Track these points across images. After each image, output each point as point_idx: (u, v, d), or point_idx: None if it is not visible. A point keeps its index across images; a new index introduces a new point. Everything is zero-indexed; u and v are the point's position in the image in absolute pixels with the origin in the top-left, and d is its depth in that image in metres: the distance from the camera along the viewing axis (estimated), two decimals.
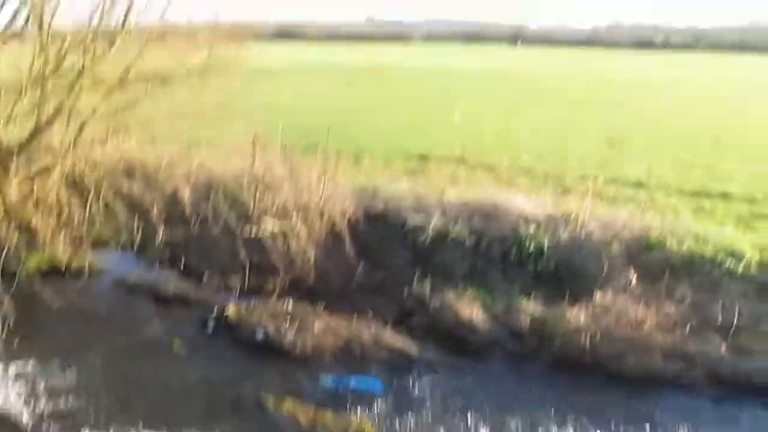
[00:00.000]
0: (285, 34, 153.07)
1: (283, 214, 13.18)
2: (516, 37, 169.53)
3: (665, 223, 13.47)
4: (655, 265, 12.34)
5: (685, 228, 13.19)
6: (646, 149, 21.15)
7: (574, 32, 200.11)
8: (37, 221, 13.17)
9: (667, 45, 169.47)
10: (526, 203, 14.07)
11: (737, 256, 12.13)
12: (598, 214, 13.70)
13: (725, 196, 16.00)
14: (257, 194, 12.72)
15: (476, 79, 52.24)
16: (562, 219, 13.52)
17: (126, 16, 12.45)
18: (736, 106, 33.39)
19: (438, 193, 14.88)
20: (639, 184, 16.76)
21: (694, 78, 55.84)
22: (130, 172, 14.37)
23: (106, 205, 13.64)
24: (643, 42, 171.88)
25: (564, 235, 13.08)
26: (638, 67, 74.86)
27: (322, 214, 13.30)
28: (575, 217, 13.49)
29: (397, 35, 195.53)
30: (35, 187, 13.38)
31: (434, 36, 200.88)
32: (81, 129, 13.21)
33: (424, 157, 19.16)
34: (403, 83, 46.56)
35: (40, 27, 12.17)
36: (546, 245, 12.90)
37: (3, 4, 12.15)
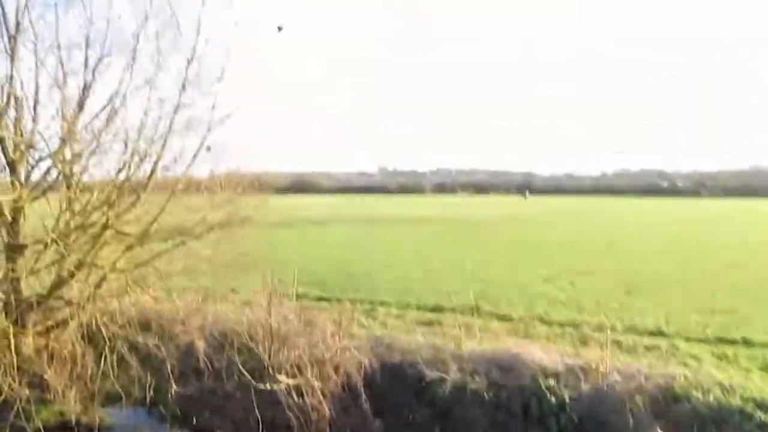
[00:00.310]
0: (300, 185, 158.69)
1: (298, 368, 12.95)
2: (525, 187, 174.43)
3: (688, 372, 13.07)
4: (682, 418, 11.83)
5: (710, 377, 12.76)
6: (664, 296, 20.95)
7: (582, 179, 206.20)
8: (49, 375, 13.01)
9: (674, 190, 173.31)
10: (544, 354, 13.76)
11: (766, 407, 11.64)
12: (618, 365, 13.34)
13: (747, 342, 15.60)
14: (272, 347, 12.57)
15: (487, 227, 53.06)
16: (583, 370, 13.15)
17: (152, 172, 13.01)
18: (751, 250, 33.46)
19: (454, 344, 14.63)
20: (659, 332, 16.42)
21: (705, 221, 56.62)
22: (145, 325, 14.36)
23: (121, 359, 13.52)
24: (650, 188, 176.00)
25: (585, 387, 12.67)
26: (647, 212, 76.12)
27: (337, 368, 13.05)
28: (596, 367, 13.13)
29: (409, 185, 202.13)
30: (50, 340, 13.35)
31: (446, 185, 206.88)
32: (100, 282, 13.39)
33: (438, 308, 19.04)
34: (415, 232, 47.32)
35: (69, 185, 12.69)
36: (567, 398, 12.47)
37: (37, 162, 12.76)
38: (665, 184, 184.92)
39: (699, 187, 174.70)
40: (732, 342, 15.66)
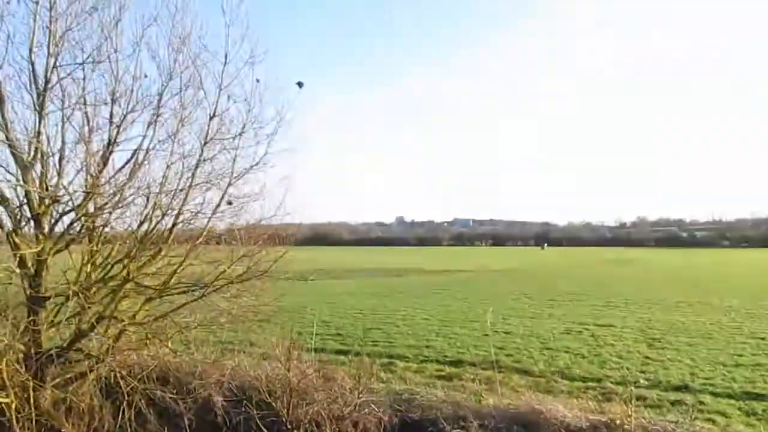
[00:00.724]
0: (320, 237, 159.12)
1: (316, 423, 12.71)
2: (543, 237, 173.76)
3: (716, 429, 12.69)
4: None
5: None
6: (688, 349, 20.50)
7: (600, 229, 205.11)
8: (67, 429, 12.87)
9: (693, 240, 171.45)
10: (567, 410, 13.40)
11: None
12: (644, 421, 12.96)
13: None
14: (290, 402, 12.37)
15: (505, 279, 52.70)
16: (607, 426, 12.79)
17: (173, 225, 13.06)
18: None
19: (475, 400, 14.33)
20: (684, 387, 15.99)
21: (724, 271, 56.08)
22: (164, 379, 14.22)
23: (138, 413, 13.36)
24: (669, 238, 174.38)
25: None
26: (665, 262, 75.36)
27: (356, 424, 12.79)
28: (620, 424, 12.77)
29: (427, 236, 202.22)
30: (69, 393, 13.24)
31: (464, 236, 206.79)
32: (119, 335, 13.32)
33: (457, 361, 18.74)
34: (433, 283, 47.08)
35: (91, 239, 12.75)
36: None
37: (60, 216, 12.87)
38: (684, 235, 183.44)
39: (719, 237, 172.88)
40: (760, 396, 15.21)
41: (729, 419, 13.68)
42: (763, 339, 22.22)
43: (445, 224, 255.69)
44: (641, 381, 16.26)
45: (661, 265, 75.80)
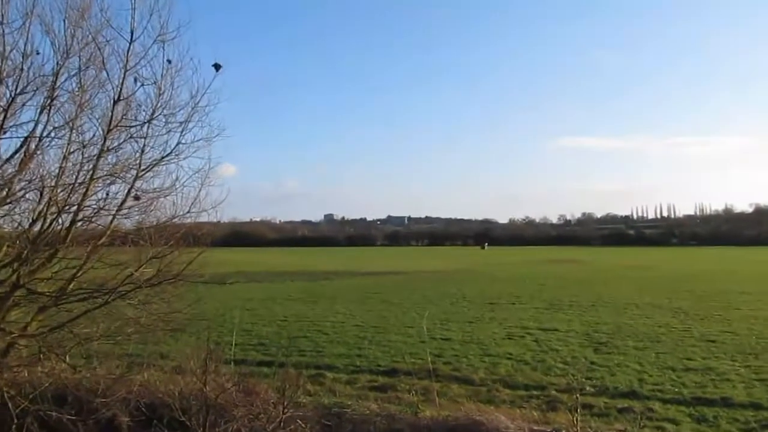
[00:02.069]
0: (240, 236, 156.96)
1: None
2: (484, 236, 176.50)
3: None
4: None
5: None
6: (635, 353, 21.19)
7: (543, 227, 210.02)
8: None
9: (641, 237, 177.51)
10: (510, 421, 13.64)
11: None
12: (590, 431, 13.31)
13: (727, 402, 15.78)
14: (207, 420, 12.14)
15: (442, 281, 53.34)
16: None
17: (71, 224, 12.60)
18: (726, 301, 34.30)
19: (411, 412, 14.42)
20: (632, 393, 16.51)
21: (674, 270, 58.35)
22: (61, 398, 13.73)
23: None
24: (616, 235, 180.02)
25: None
26: (612, 262, 77.79)
27: None
28: None
29: (358, 235, 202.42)
30: None
31: (399, 235, 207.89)
32: (8, 349, 12.80)
33: (392, 371, 18.82)
34: (365, 287, 47.17)
35: None
36: None
37: None
38: (632, 232, 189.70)
39: (668, 235, 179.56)
40: (711, 402, 15.83)
41: (679, 427, 14.19)
42: (713, 342, 23.19)
43: (378, 222, 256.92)
44: (587, 388, 16.69)
45: (608, 264, 78.25)
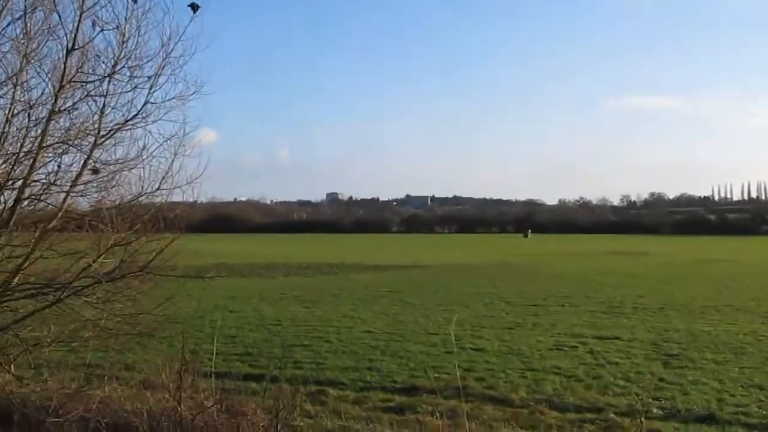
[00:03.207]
0: (223, 220, 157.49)
1: None
2: (526, 222, 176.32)
3: None
4: None
5: None
6: (714, 368, 21.16)
7: (601, 210, 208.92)
8: None
9: (723, 224, 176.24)
10: None
11: None
12: None
13: None
14: None
15: (476, 278, 53.38)
16: None
17: (16, 202, 12.69)
18: None
19: None
20: (709, 418, 16.53)
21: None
22: (5, 416, 13.92)
23: None
24: (692, 221, 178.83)
25: None
26: (687, 254, 77.42)
27: None
28: None
29: (370, 220, 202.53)
30: None
31: (419, 220, 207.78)
32: None
33: (411, 388, 18.92)
34: (378, 284, 47.29)
35: None
36: None
37: None
38: (712, 217, 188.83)
39: (757, 222, 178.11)
40: None
41: None
42: None
43: (395, 204, 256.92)
44: (654, 410, 16.69)
45: (681, 257, 78.00)
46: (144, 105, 12.88)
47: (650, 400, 17.48)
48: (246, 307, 34.48)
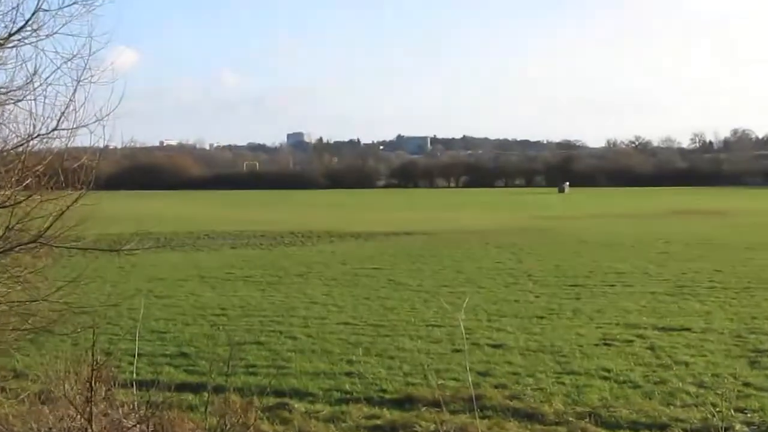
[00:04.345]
0: (145, 172, 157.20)
1: None
2: (562, 171, 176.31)
3: None
4: None
5: None
6: None
7: (665, 153, 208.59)
8: None
9: None
10: None
11: None
12: None
13: None
14: None
15: (493, 248, 53.52)
16: None
17: None
18: None
19: None
20: None
21: None
22: None
23: None
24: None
25: None
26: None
27: None
28: None
29: (347, 171, 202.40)
30: None
31: (416, 170, 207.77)
32: None
33: (406, 399, 19.00)
34: (357, 256, 47.33)
35: None
36: None
37: None
38: None
39: None
40: None
41: None
42: None
43: (382, 148, 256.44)
44: (738, 426, 16.81)
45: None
46: (34, 13, 12.76)
47: (732, 412, 17.58)
48: (179, 291, 34.44)
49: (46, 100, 12.98)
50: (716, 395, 18.72)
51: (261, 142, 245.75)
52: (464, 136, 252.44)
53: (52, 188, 12.94)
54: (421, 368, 21.35)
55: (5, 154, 13.19)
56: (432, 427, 16.88)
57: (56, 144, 13.33)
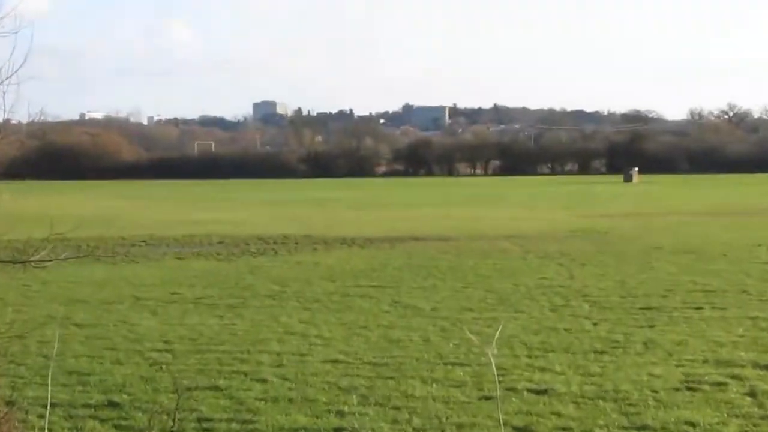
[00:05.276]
0: (64, 156, 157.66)
1: None
2: (627, 154, 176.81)
3: None
4: None
5: None
6: None
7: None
8: None
9: None
10: None
11: None
12: None
13: None
14: None
15: (529, 258, 53.81)
16: None
17: None
18: None
19: None
20: None
21: None
22: None
23: None
24: None
25: None
26: None
27: None
28: None
29: (334, 153, 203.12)
30: None
31: (430, 152, 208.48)
32: None
33: None
34: (353, 273, 47.53)
35: None
36: None
37: None
38: None
39: None
40: None
41: None
42: None
43: (383, 123, 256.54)
44: None
45: None
46: None
47: None
48: (106, 318, 34.45)
49: None
50: None
51: (218, 115, 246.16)
52: (495, 105, 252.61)
53: None
54: (438, 422, 21.39)
55: None
56: None
57: None
